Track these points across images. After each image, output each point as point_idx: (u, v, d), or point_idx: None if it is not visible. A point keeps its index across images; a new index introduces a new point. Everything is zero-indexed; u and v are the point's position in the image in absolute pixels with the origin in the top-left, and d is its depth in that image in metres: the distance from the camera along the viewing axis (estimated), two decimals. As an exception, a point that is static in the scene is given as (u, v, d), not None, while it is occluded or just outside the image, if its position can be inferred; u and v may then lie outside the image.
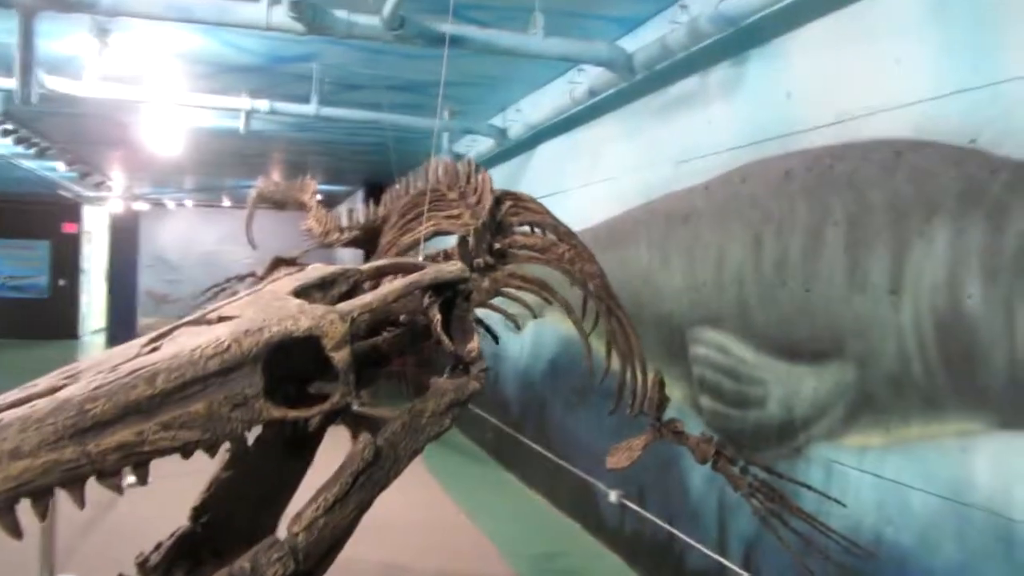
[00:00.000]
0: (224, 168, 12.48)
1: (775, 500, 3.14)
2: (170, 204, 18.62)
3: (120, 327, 16.23)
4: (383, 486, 1.93)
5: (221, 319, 1.74)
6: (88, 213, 18.46)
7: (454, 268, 2.01)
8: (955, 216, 2.93)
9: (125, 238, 17.33)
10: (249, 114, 6.58)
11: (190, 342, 1.63)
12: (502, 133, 6.72)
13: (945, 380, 2.98)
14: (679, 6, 4.45)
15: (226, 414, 1.61)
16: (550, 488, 6.67)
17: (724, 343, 4.35)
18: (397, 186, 4.62)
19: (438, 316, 1.97)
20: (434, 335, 1.98)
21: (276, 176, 10.53)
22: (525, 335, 6.95)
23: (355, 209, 5.22)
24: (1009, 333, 2.73)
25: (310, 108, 6.30)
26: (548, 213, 3.36)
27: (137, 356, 1.62)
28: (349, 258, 10.75)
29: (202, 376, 1.58)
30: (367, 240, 5.13)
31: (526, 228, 3.21)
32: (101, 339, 18.13)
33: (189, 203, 18.55)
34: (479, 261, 2.77)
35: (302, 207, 6.61)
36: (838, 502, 3.29)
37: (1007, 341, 2.74)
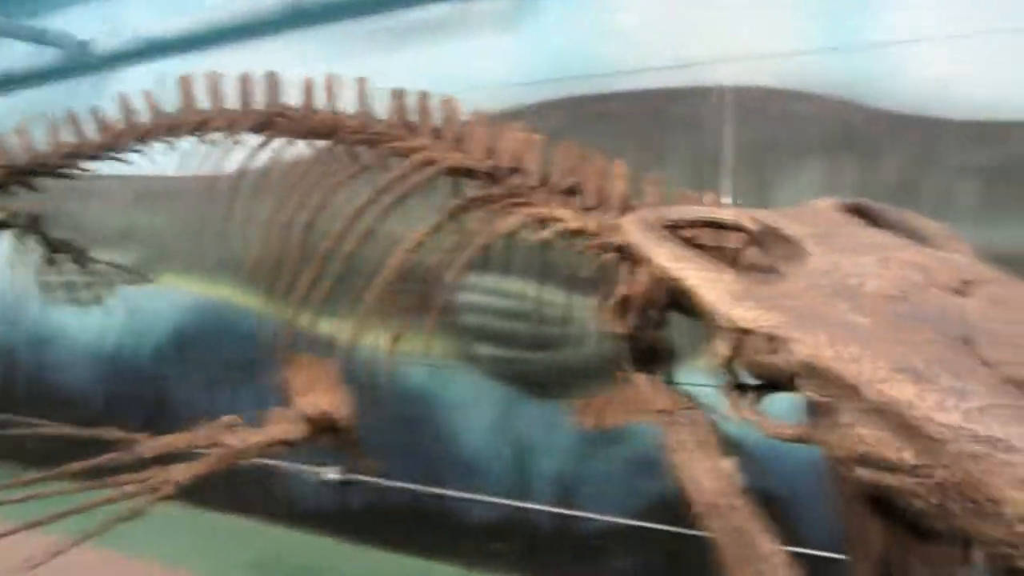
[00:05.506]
0: None
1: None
2: None
3: None
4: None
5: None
6: None
7: None
8: (828, 156, 3.44)
9: None
10: None
11: None
12: (81, 46, 5.03)
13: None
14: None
15: None
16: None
17: (511, 287, 4.22)
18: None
19: None
20: None
21: None
22: (108, 307, 5.50)
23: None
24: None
25: None
26: None
27: None
28: None
29: None
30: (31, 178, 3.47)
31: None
32: None
33: None
34: None
35: None
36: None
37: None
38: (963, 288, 1.17)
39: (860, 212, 1.58)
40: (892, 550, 1.37)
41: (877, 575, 1.43)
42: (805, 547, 2.21)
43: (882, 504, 1.34)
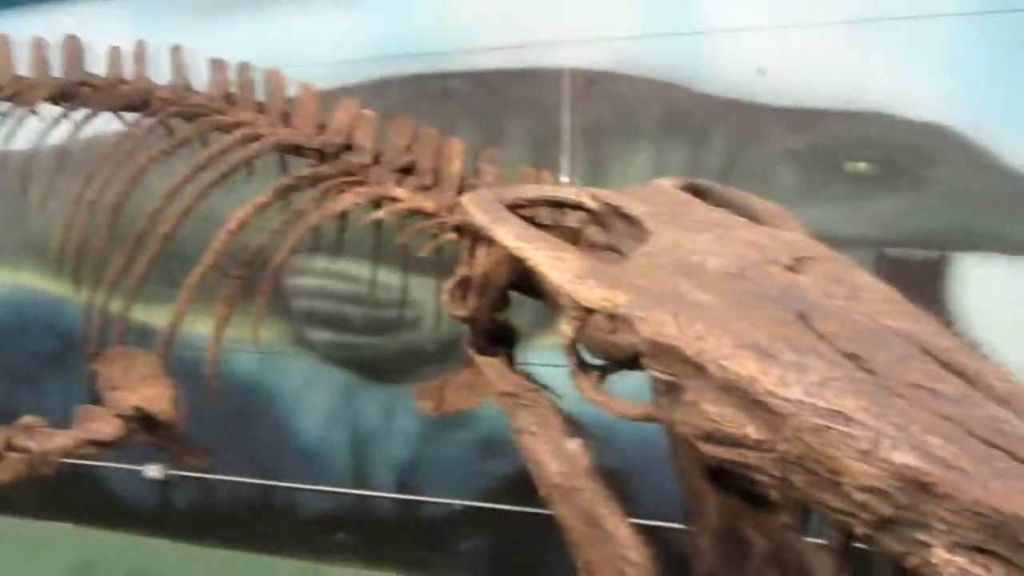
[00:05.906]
0: None
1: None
2: None
3: None
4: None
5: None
6: None
7: None
8: (660, 138, 3.53)
9: None
10: None
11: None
12: None
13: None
14: None
15: None
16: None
17: (345, 269, 4.07)
18: None
19: None
20: None
21: None
22: None
23: None
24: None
25: None
26: None
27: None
28: None
29: None
30: None
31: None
32: None
33: None
34: None
35: None
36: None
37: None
38: (797, 265, 1.20)
39: (698, 192, 1.60)
40: (730, 520, 1.41)
41: (715, 545, 1.46)
42: (647, 518, 2.27)
43: (720, 476, 1.37)
